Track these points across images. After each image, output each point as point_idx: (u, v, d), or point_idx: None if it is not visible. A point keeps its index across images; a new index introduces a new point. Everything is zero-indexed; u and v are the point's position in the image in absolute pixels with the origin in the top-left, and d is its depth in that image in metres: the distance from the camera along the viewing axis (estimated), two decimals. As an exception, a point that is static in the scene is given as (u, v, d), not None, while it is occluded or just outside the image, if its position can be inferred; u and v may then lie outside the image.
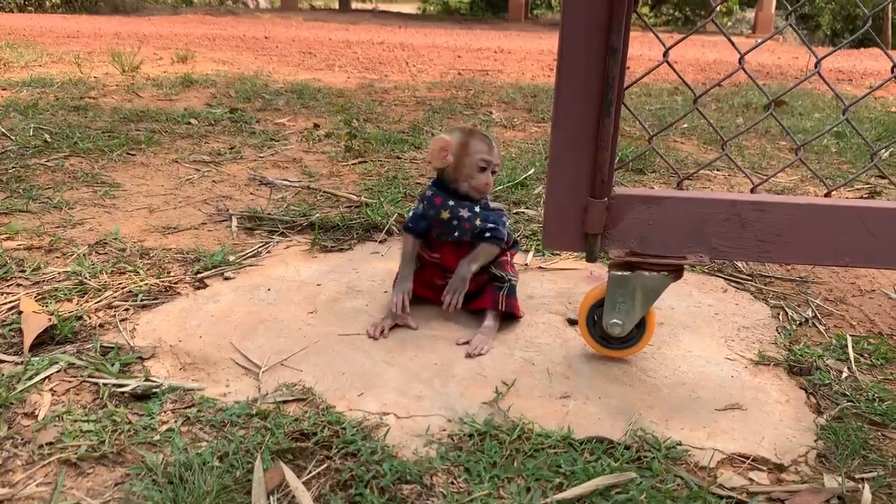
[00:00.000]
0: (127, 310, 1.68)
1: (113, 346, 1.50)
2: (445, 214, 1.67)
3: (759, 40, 1.46)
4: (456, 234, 1.68)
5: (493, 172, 1.66)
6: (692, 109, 1.45)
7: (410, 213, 1.74)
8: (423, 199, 1.71)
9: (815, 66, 1.39)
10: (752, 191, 1.42)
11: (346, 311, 1.73)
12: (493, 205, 1.73)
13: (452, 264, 1.68)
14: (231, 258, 2.01)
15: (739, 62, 1.36)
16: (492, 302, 1.65)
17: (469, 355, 1.53)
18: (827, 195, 1.44)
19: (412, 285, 1.68)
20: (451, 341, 1.59)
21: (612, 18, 1.23)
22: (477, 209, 1.67)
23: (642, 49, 9.60)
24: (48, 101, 4.19)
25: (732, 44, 1.37)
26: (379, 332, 1.60)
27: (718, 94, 5.68)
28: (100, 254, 2.00)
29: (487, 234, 1.66)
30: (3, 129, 3.38)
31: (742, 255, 1.41)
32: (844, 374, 1.51)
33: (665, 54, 1.36)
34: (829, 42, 17.04)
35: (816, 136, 1.65)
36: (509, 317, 1.68)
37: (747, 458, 1.22)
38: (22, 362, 1.42)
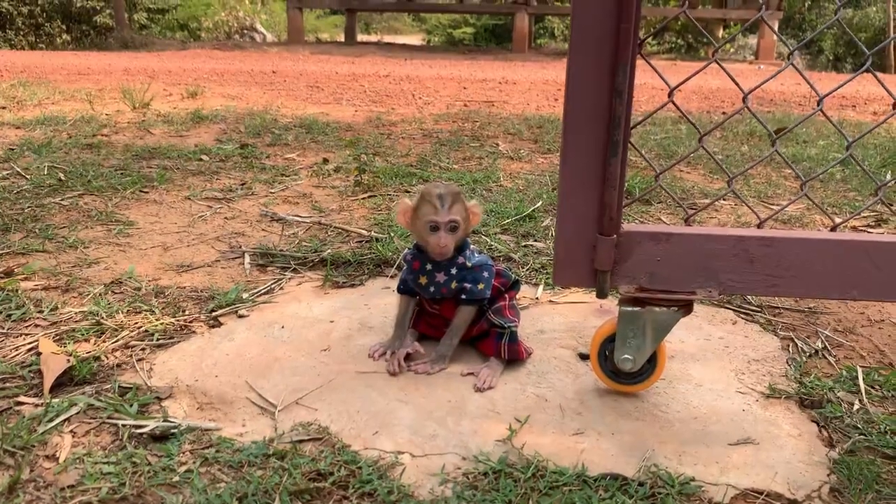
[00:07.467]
0: (143, 349, 1.71)
1: (131, 386, 1.52)
2: (423, 280, 1.70)
3: (763, 80, 1.50)
4: (437, 297, 1.71)
5: (453, 230, 1.62)
6: (698, 148, 1.48)
7: (401, 273, 1.78)
8: (405, 262, 1.75)
9: (818, 105, 1.42)
10: (758, 226, 1.44)
11: (358, 348, 1.75)
12: (477, 257, 1.71)
13: (452, 316, 1.70)
14: (245, 296, 2.03)
15: (743, 101, 1.39)
16: (494, 351, 1.66)
17: (478, 389, 1.56)
18: (832, 230, 1.46)
19: (405, 342, 1.71)
20: (463, 378, 1.61)
21: (618, 62, 1.27)
22: (454, 271, 1.67)
23: (644, 77, 9.66)
24: (61, 140, 4.26)
25: (737, 84, 1.40)
26: (398, 367, 1.62)
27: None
28: (115, 293, 2.03)
29: (463, 297, 1.68)
30: (18, 169, 3.44)
31: (751, 289, 1.43)
32: (856, 407, 1.52)
33: (670, 94, 1.39)
34: (832, 67, 17.14)
35: (822, 171, 1.68)
36: (514, 360, 1.68)
37: (761, 494, 1.23)
38: (42, 404, 1.44)
